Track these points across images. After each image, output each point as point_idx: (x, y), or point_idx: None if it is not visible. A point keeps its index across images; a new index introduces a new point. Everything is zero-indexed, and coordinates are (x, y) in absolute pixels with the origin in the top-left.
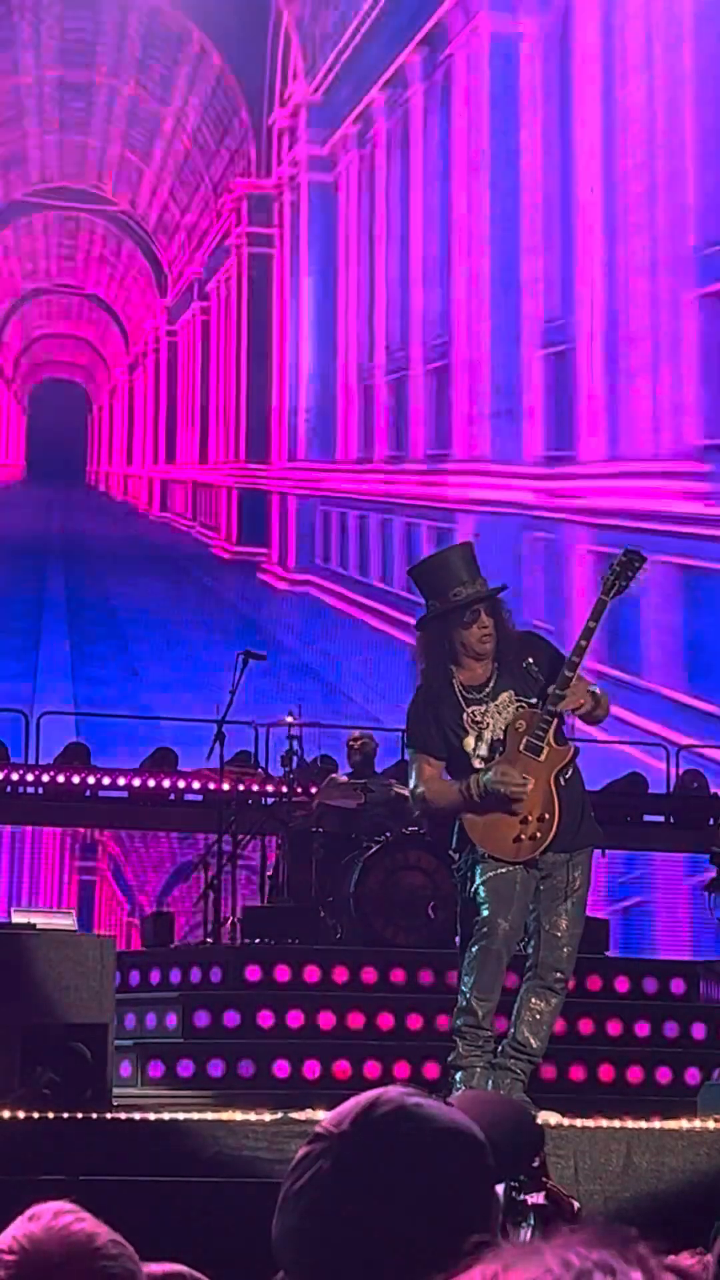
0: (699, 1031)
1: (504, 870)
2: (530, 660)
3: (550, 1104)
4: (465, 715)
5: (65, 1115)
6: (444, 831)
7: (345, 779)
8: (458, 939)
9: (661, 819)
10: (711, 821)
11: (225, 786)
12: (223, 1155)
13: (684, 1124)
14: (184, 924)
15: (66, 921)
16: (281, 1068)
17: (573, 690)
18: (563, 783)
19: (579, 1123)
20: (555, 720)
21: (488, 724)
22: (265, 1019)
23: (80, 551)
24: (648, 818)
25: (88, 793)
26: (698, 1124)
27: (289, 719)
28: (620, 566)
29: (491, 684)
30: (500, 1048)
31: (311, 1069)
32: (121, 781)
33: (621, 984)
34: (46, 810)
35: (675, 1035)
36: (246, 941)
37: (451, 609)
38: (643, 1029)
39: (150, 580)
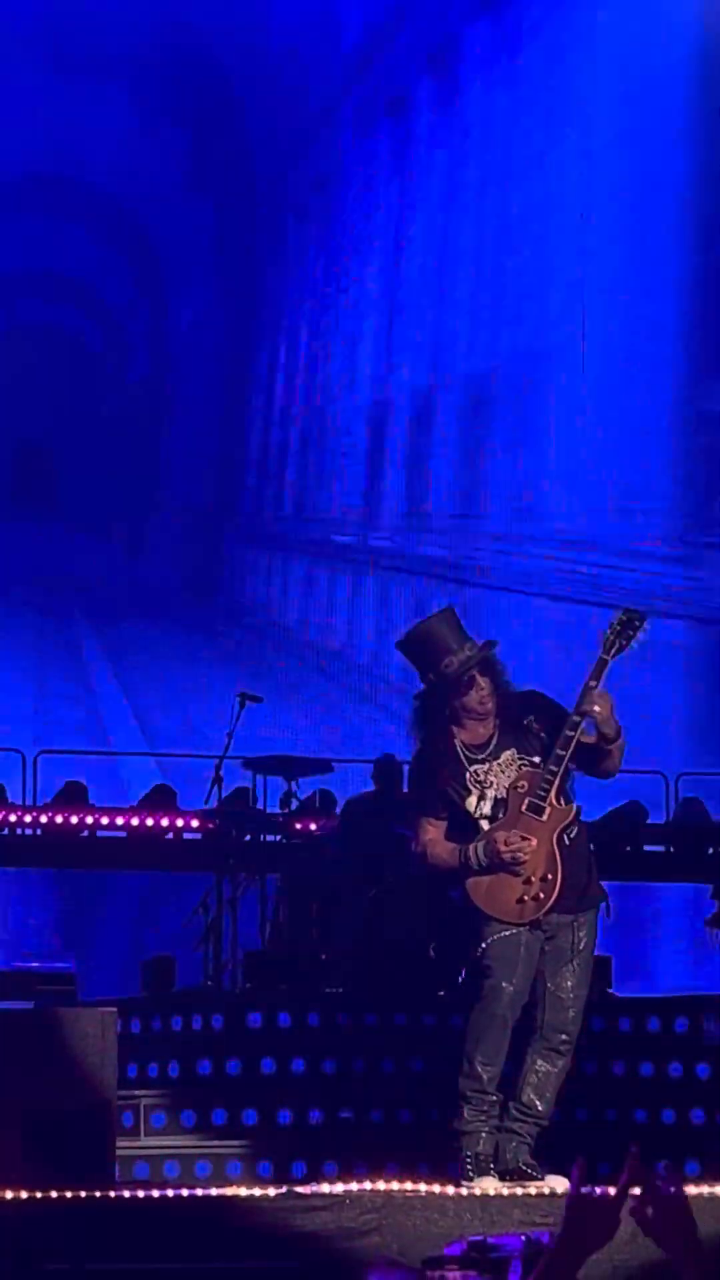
0: (704, 1071)
1: (508, 933)
2: (531, 718)
3: (554, 1150)
4: (468, 774)
5: (68, 1194)
6: (443, 875)
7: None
8: (461, 977)
9: (661, 849)
10: (711, 850)
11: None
12: (227, 1233)
13: (691, 1189)
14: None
15: (64, 966)
16: (285, 1115)
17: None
18: (567, 842)
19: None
20: (558, 779)
21: (491, 782)
22: (268, 1065)
23: None
24: (647, 848)
25: (85, 833)
26: (705, 1190)
27: None
28: (620, 625)
29: (493, 743)
30: (506, 1110)
31: (315, 1116)
32: (120, 821)
33: (624, 1023)
34: (44, 852)
35: (680, 1075)
36: (248, 986)
37: (446, 680)
38: (647, 1069)
39: None
